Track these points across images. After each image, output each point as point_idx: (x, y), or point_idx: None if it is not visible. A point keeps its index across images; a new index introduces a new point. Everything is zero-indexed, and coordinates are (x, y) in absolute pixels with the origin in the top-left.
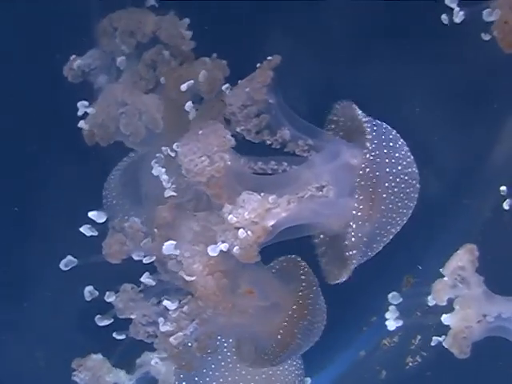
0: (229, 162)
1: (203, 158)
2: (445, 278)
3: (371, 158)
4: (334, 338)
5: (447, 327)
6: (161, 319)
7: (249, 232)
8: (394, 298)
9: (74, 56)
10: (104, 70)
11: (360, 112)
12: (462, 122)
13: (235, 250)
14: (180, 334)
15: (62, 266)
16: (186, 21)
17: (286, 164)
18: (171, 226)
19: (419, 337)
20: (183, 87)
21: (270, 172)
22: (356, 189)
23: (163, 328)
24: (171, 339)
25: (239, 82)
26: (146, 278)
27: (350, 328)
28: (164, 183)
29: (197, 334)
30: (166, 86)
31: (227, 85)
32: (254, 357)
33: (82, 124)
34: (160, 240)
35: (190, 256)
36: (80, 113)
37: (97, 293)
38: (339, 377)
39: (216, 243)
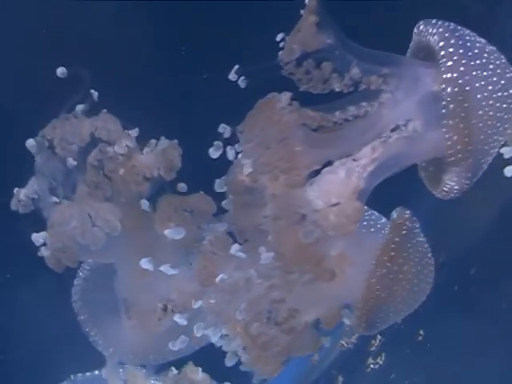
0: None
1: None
2: None
3: (455, 76)
4: None
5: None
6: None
7: (340, 214)
8: None
9: (16, 189)
10: (51, 191)
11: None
12: None
13: (330, 230)
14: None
15: None
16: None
17: (365, 104)
18: None
19: (379, 337)
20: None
21: (350, 119)
22: (445, 116)
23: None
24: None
25: (286, 39)
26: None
27: None
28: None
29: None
30: (123, 184)
31: (237, 66)
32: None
33: (43, 252)
34: None
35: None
36: (38, 244)
37: None
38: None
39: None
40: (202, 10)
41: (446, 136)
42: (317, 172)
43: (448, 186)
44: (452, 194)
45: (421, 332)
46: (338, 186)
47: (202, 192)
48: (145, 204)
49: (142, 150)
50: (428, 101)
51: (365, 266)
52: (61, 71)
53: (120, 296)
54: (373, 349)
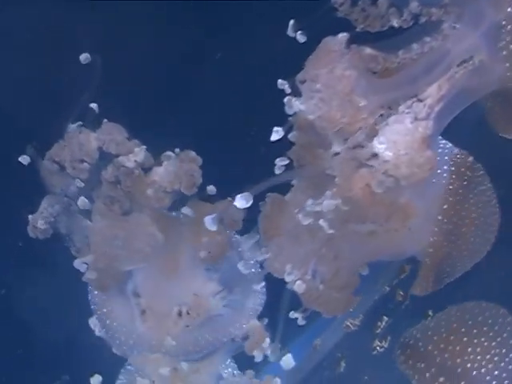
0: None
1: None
2: None
3: None
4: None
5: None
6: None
7: (411, 164)
8: None
9: (30, 216)
10: (66, 210)
11: None
12: None
13: (402, 180)
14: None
15: None
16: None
17: (429, 39)
18: None
19: (386, 318)
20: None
21: (414, 57)
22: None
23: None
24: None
25: None
26: None
27: None
28: None
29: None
30: (143, 198)
31: (292, 21)
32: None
33: (88, 276)
34: None
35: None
36: (83, 269)
37: None
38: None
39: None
40: None
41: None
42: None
43: None
44: None
45: (429, 313)
46: (406, 136)
47: (230, 198)
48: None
49: (158, 161)
50: (492, 31)
51: (427, 216)
52: (84, 57)
53: (134, 299)
54: (378, 331)
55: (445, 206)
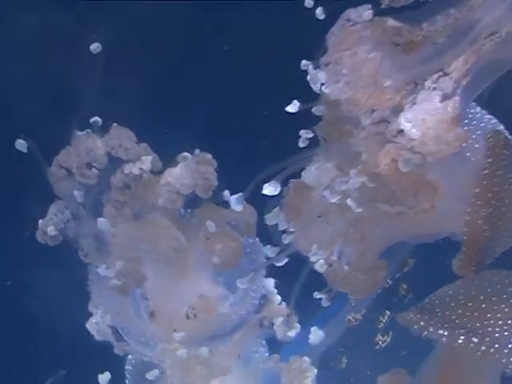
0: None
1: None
2: None
3: None
4: None
5: None
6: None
7: (439, 141)
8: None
9: (40, 221)
10: (74, 216)
11: None
12: None
13: (429, 157)
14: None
15: None
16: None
17: (454, 11)
18: None
19: (388, 313)
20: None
21: (439, 29)
22: None
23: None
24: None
25: None
26: None
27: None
28: None
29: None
30: (155, 199)
31: None
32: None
33: (113, 283)
34: None
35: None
36: (111, 275)
37: None
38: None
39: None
40: None
41: None
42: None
43: None
44: None
45: None
46: (435, 115)
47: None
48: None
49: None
50: None
51: (459, 196)
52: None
53: (142, 301)
54: (381, 325)
55: (482, 187)
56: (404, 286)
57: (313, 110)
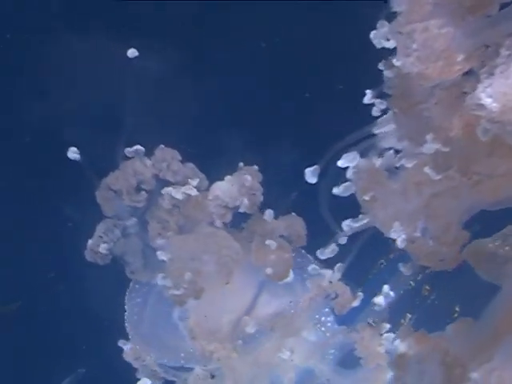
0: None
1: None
2: None
3: None
4: None
5: None
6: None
7: None
8: None
9: (90, 241)
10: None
11: None
12: None
13: (509, 127)
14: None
15: None
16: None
17: None
18: None
19: (409, 315)
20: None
21: None
22: None
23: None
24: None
25: None
26: None
27: None
28: None
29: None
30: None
31: None
32: None
33: (174, 292)
34: None
35: None
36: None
37: None
38: None
39: None
40: None
41: None
42: None
43: None
44: None
45: (456, 308)
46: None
47: (293, 213)
48: None
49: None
50: None
51: None
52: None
53: (181, 315)
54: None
55: None
56: (427, 287)
57: (385, 77)
